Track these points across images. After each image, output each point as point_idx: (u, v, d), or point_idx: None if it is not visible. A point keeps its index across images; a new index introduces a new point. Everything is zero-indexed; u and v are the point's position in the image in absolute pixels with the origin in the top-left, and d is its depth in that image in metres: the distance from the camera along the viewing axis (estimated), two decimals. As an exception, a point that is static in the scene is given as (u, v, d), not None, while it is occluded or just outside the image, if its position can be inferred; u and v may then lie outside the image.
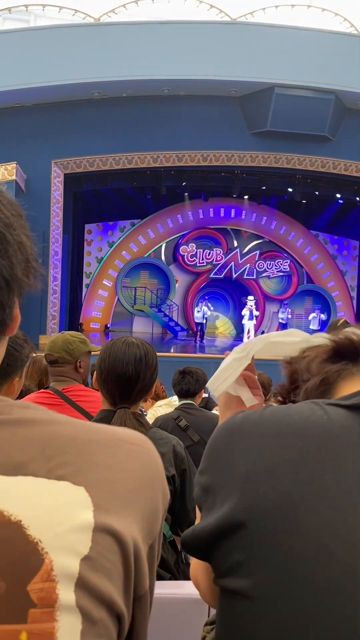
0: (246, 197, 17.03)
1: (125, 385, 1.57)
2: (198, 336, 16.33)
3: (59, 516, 0.50)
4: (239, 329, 17.60)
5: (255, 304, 17.33)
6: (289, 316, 17.32)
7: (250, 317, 16.44)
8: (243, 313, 16.55)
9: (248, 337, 16.65)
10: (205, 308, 16.65)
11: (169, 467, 1.63)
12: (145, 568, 0.56)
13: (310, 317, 17.35)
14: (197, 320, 16.44)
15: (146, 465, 0.59)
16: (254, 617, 0.60)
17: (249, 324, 16.48)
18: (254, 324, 16.62)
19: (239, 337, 17.41)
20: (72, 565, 0.49)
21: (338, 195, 15.29)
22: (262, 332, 18.24)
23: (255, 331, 17.58)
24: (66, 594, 0.48)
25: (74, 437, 0.56)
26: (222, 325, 18.62)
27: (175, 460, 1.66)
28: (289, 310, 17.57)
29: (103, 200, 15.70)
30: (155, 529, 0.59)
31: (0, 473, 0.50)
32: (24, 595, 0.47)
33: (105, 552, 0.51)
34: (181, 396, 3.46)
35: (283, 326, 17.28)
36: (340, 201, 15.91)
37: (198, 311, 16.42)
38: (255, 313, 16.56)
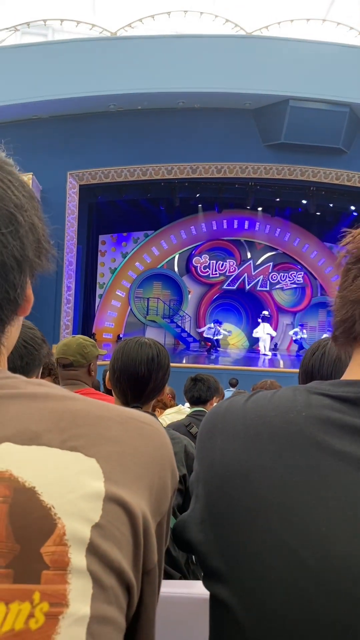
0: (260, 208, 17.08)
1: (137, 384, 1.59)
2: (210, 347, 16.27)
3: (71, 484, 0.51)
4: (253, 341, 17.52)
5: (269, 319, 17.28)
6: (304, 336, 17.11)
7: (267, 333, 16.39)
8: (257, 331, 16.45)
9: (259, 350, 16.59)
10: (220, 329, 16.50)
11: (180, 467, 1.64)
12: (153, 542, 0.57)
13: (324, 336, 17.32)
14: (206, 336, 16.37)
15: (156, 443, 0.60)
16: (235, 625, 0.60)
17: (262, 335, 16.35)
18: (269, 338, 16.48)
19: (252, 349, 17.33)
20: (84, 531, 0.50)
21: (352, 208, 15.26)
22: (275, 346, 18.17)
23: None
24: (78, 558, 0.49)
25: (87, 412, 0.57)
26: (235, 337, 18.56)
27: (187, 459, 1.67)
28: (304, 331, 17.37)
29: (117, 212, 15.84)
30: (163, 506, 0.60)
31: (16, 442, 0.52)
32: (38, 557, 0.48)
33: (115, 522, 0.52)
34: (193, 403, 3.46)
35: (297, 343, 17.17)
36: (355, 213, 15.87)
37: (210, 328, 16.31)
38: (268, 332, 16.40)
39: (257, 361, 14.80)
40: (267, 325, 16.46)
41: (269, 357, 15.80)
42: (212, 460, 0.67)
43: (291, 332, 17.39)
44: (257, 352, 16.57)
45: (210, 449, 0.69)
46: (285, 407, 0.66)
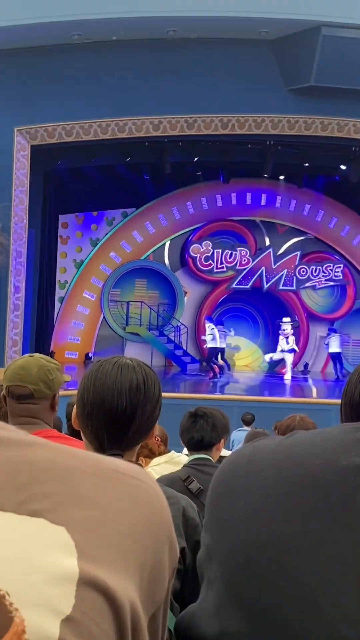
0: (282, 177, 17.18)
1: (116, 423, 1.59)
2: (217, 370, 16.24)
3: (33, 563, 0.52)
4: (272, 362, 17.53)
5: (296, 332, 17.24)
6: (337, 350, 17.10)
7: (290, 350, 16.41)
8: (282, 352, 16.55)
9: (283, 373, 16.59)
10: (221, 332, 16.29)
11: (177, 538, 1.64)
12: None
13: None
14: (210, 346, 16.14)
15: (149, 505, 0.61)
16: None
17: (282, 355, 16.38)
18: (292, 357, 16.55)
19: (272, 372, 17.37)
20: (50, 628, 0.50)
21: None
22: (306, 367, 18.19)
23: (294, 365, 17.53)
24: None
25: (53, 463, 0.58)
26: (249, 354, 18.58)
27: (186, 527, 1.67)
28: (347, 337, 17.41)
29: (84, 183, 15.88)
30: (159, 593, 0.60)
31: None
32: None
33: (93, 614, 0.52)
34: (192, 448, 3.46)
35: (335, 359, 17.15)
36: None
37: (209, 333, 16.12)
38: (290, 346, 16.45)
39: (281, 388, 14.83)
40: (289, 338, 16.45)
41: (289, 382, 15.85)
42: (234, 529, 0.68)
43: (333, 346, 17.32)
44: (280, 375, 16.60)
45: (230, 513, 0.69)
46: (336, 453, 0.67)
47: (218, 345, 15.92)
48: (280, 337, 16.51)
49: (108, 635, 0.53)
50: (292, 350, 16.41)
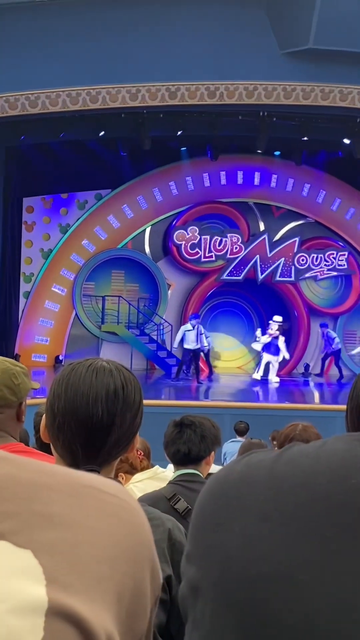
0: (278, 153, 17.20)
1: (92, 435, 1.58)
2: (203, 373, 16.21)
3: None
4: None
5: (288, 330, 17.17)
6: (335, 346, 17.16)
7: (275, 351, 16.17)
8: (259, 342, 16.34)
9: (281, 376, 16.60)
10: (192, 327, 15.94)
11: (162, 564, 1.65)
12: None
13: None
14: (188, 347, 15.71)
15: (126, 525, 0.61)
16: None
17: (268, 358, 16.21)
18: (277, 360, 16.30)
19: (265, 378, 17.40)
20: None
21: None
22: (306, 368, 18.25)
23: (292, 367, 17.56)
24: None
25: (17, 479, 0.58)
26: (242, 355, 18.62)
27: (172, 552, 1.67)
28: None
29: (52, 161, 15.81)
30: (139, 624, 0.60)
31: None
32: None
33: None
34: (178, 463, 3.46)
35: (332, 353, 17.22)
36: None
37: (188, 330, 15.67)
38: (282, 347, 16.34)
39: (279, 393, 14.88)
40: (278, 339, 16.27)
41: (277, 384, 15.79)
42: (226, 559, 0.67)
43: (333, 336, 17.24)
44: (281, 380, 16.64)
45: (220, 541, 0.69)
46: (342, 469, 0.67)
47: (192, 346, 15.61)
48: (264, 337, 16.37)
49: None
50: (276, 349, 16.24)
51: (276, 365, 16.31)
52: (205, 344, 16.27)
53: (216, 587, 0.68)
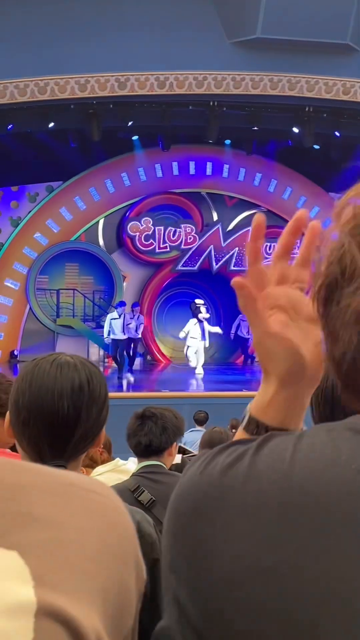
0: (228, 141, 17.25)
1: (57, 430, 1.58)
2: (160, 363, 16.20)
3: None
4: (229, 351, 17.67)
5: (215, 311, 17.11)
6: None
7: (202, 336, 15.76)
8: (188, 331, 15.87)
9: (238, 364, 16.70)
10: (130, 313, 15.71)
11: None
12: None
13: None
14: (115, 337, 15.35)
15: (111, 522, 0.61)
16: None
17: (195, 345, 15.73)
18: (205, 346, 15.99)
19: (229, 363, 17.48)
20: None
21: (371, 137, 15.67)
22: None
23: (250, 354, 17.67)
24: None
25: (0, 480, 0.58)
26: (200, 345, 18.68)
27: (143, 546, 1.66)
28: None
29: (1, 153, 15.61)
30: (126, 620, 0.61)
31: None
32: None
33: None
34: (140, 455, 3.47)
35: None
36: (375, 146, 16.30)
37: (114, 319, 15.27)
38: (210, 329, 16.03)
39: (237, 382, 14.96)
40: (202, 324, 15.89)
41: (202, 375, 15.41)
42: (209, 560, 0.66)
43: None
44: (236, 367, 16.75)
45: (203, 542, 0.67)
46: (323, 463, 0.66)
47: (119, 336, 15.35)
48: (192, 323, 15.96)
49: None
50: (203, 333, 15.82)
51: (201, 353, 15.76)
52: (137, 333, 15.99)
53: (199, 592, 0.67)
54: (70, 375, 1.61)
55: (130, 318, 15.82)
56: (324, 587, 0.61)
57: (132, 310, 16.23)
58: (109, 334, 15.42)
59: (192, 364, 15.84)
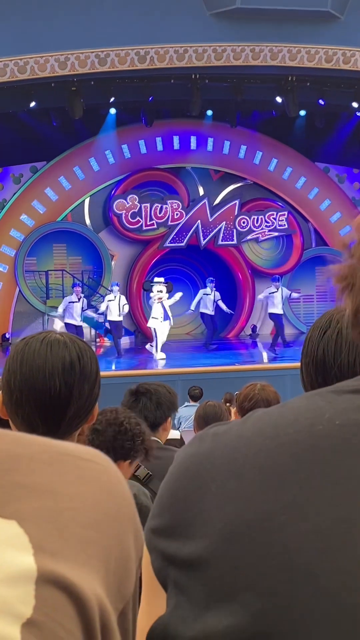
0: (210, 112, 17.12)
1: (50, 408, 1.59)
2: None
3: None
4: (221, 325, 17.62)
5: (240, 290, 17.03)
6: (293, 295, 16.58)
7: (165, 316, 14.64)
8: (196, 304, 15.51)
9: (228, 339, 16.66)
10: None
11: None
12: None
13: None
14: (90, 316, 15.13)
15: (107, 489, 0.62)
16: None
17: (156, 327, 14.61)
18: (167, 325, 14.84)
19: (220, 339, 17.47)
20: (10, 634, 0.50)
21: (355, 105, 15.61)
22: (254, 330, 18.43)
23: (240, 329, 17.69)
24: None
25: None
26: (190, 321, 18.70)
27: (140, 517, 1.68)
28: (293, 294, 16.62)
29: (-18, 135, 15.52)
30: (127, 586, 0.61)
31: None
32: None
33: (57, 615, 0.52)
34: (136, 430, 3.50)
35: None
36: (359, 113, 16.23)
37: (111, 300, 14.94)
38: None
39: (229, 356, 15.01)
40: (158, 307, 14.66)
41: (163, 359, 14.42)
42: (207, 520, 0.70)
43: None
44: (227, 341, 16.76)
45: (200, 508, 0.71)
46: (307, 419, 0.70)
47: (116, 318, 15.05)
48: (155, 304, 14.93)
49: (75, 637, 0.54)
50: (166, 317, 14.73)
51: (162, 336, 14.69)
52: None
53: (204, 550, 0.70)
54: (60, 353, 1.62)
55: (72, 302, 15.07)
56: (314, 536, 0.65)
57: (74, 292, 15.38)
58: (105, 317, 15.28)
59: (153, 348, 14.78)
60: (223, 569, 0.68)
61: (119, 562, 0.60)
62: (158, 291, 14.67)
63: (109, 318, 15.21)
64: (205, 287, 16.39)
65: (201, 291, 16.17)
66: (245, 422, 0.75)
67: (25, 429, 1.61)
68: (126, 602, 0.61)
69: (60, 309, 15.11)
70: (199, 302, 15.96)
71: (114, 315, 15.03)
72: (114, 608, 0.59)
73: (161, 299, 14.60)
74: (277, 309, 15.66)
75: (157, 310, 14.73)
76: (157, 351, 14.52)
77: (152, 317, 14.80)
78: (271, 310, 15.88)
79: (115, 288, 15.46)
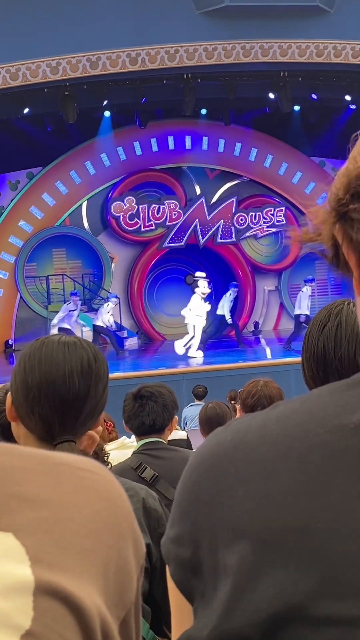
0: (204, 111, 17.13)
1: (68, 406, 1.60)
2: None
3: None
4: (218, 325, 17.61)
5: (241, 288, 16.98)
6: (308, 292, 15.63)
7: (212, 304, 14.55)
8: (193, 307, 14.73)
9: (232, 337, 16.68)
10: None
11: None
12: None
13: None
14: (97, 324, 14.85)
15: (104, 498, 0.61)
16: None
17: (194, 321, 14.51)
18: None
19: (222, 336, 17.45)
20: None
21: (348, 98, 15.61)
22: (256, 326, 18.42)
23: (242, 326, 17.69)
24: None
25: None
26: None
27: (149, 520, 1.68)
28: (308, 287, 15.67)
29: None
30: (127, 594, 0.61)
31: None
32: None
33: (56, 625, 0.52)
34: (141, 434, 3.49)
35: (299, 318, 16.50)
36: (352, 106, 16.23)
37: (69, 312, 14.75)
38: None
39: (232, 354, 14.99)
40: (202, 304, 14.55)
41: (199, 359, 14.34)
42: (237, 524, 0.67)
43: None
44: (230, 339, 16.74)
45: (224, 514, 0.68)
46: (335, 416, 0.68)
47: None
48: (197, 298, 14.82)
49: None
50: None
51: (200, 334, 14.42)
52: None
53: (233, 557, 0.67)
54: (78, 352, 1.65)
55: (72, 310, 15.11)
56: (354, 543, 0.63)
57: (72, 301, 15.35)
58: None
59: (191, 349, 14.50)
60: (256, 577, 0.66)
61: (118, 571, 0.60)
62: (205, 287, 14.56)
63: (95, 322, 15.32)
64: (227, 291, 16.21)
65: (225, 297, 15.90)
66: (267, 419, 0.72)
67: (40, 428, 1.62)
68: (127, 610, 0.61)
69: (59, 316, 15.09)
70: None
71: (100, 321, 15.11)
72: (115, 617, 0.58)
73: (205, 294, 14.48)
74: (304, 310, 15.08)
75: (200, 307, 14.54)
76: (196, 349, 14.34)
77: (197, 315, 14.45)
78: (297, 311, 15.29)
79: (114, 300, 15.53)
